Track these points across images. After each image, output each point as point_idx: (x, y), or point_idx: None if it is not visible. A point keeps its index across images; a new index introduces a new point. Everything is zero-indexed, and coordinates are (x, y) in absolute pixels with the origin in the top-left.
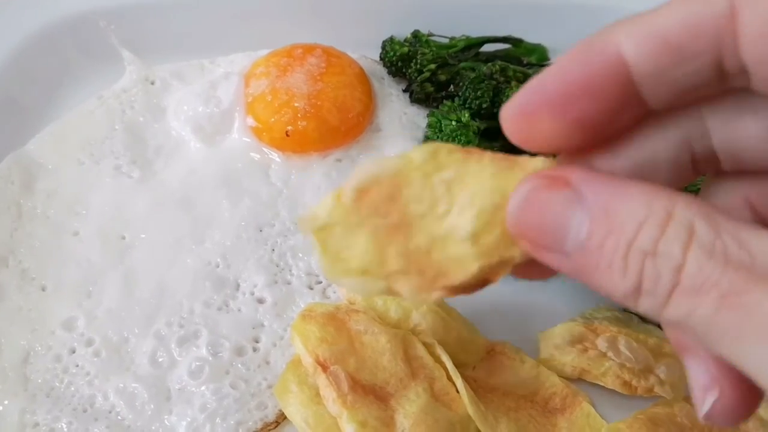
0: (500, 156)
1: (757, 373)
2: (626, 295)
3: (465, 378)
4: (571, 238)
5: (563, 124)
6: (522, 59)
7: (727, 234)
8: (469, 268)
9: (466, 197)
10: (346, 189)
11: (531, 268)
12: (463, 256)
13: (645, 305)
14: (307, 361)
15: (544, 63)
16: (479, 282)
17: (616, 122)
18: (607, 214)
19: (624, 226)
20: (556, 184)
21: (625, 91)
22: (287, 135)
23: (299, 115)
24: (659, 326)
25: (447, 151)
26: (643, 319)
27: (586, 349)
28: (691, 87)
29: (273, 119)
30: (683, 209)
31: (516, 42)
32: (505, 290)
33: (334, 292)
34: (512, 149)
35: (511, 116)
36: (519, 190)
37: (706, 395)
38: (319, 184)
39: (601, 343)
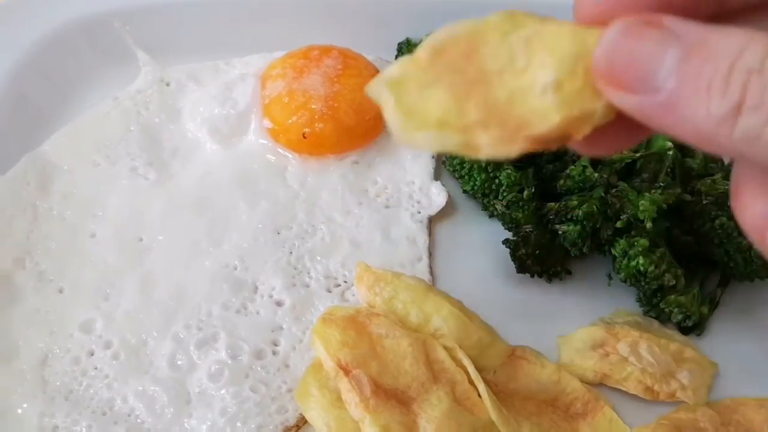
0: (572, 24)
1: None
2: (723, 118)
3: (486, 382)
4: (666, 69)
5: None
6: None
7: None
8: (551, 119)
9: (545, 51)
10: (422, 48)
11: (605, 136)
12: (544, 108)
13: (746, 123)
14: (329, 365)
15: None
16: (561, 136)
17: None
18: (706, 44)
19: (725, 51)
20: (649, 23)
21: None
22: (304, 137)
23: (316, 117)
24: (680, 331)
25: (524, 14)
26: (664, 323)
27: (607, 354)
28: None
29: (290, 121)
30: None
31: None
32: (523, 294)
33: (353, 295)
34: (531, 154)
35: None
36: (609, 31)
37: None
38: (336, 186)
39: (623, 348)
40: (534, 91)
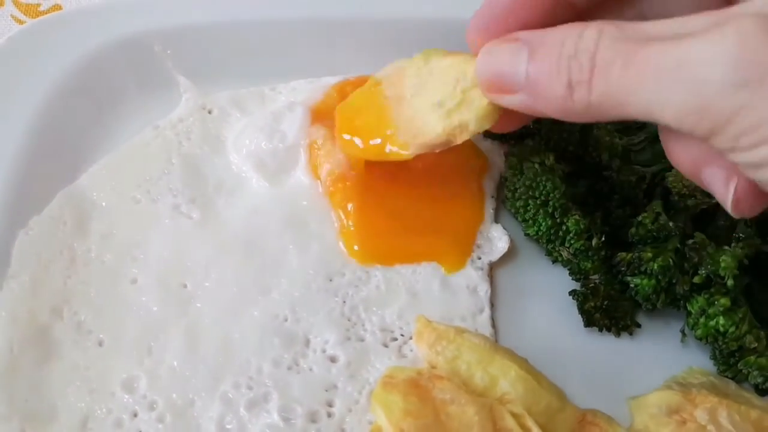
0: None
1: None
2: (564, 96)
3: None
4: (522, 69)
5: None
6: None
7: (628, 25)
8: (436, 129)
9: (438, 79)
10: (371, 79)
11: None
12: (433, 121)
13: (577, 97)
14: None
15: None
16: (444, 142)
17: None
18: (543, 42)
19: (554, 45)
20: (507, 39)
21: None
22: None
23: (348, 190)
24: (758, 392)
25: (435, 51)
26: (739, 383)
27: (684, 421)
28: None
29: (323, 177)
30: (592, 26)
31: None
32: (589, 349)
33: (411, 350)
34: (599, 196)
35: (474, 31)
36: (483, 49)
37: (729, 184)
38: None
39: (701, 415)
40: (427, 109)
